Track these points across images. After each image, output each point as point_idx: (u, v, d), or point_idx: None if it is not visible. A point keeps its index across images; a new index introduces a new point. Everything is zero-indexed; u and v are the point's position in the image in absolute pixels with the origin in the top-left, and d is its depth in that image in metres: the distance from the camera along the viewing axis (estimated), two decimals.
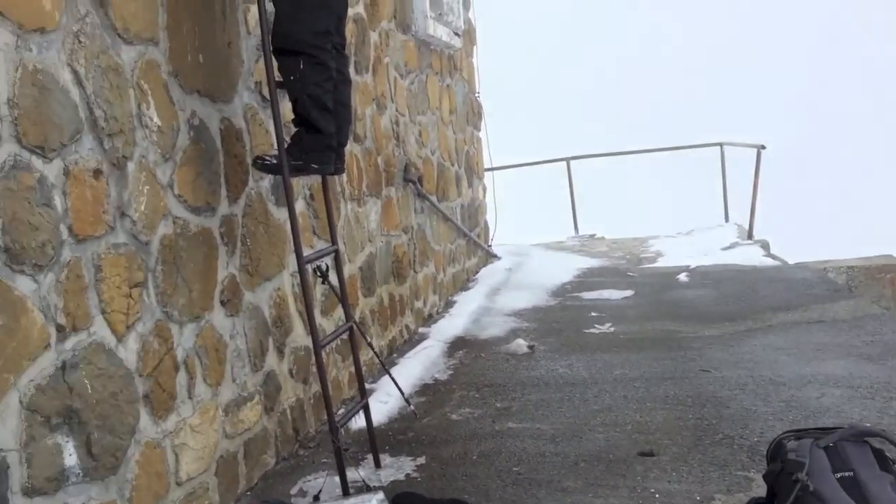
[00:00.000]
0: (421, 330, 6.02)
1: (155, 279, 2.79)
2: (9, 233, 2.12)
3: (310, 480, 3.49)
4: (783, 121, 28.58)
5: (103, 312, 2.50)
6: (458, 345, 5.68)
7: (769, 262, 8.35)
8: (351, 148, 4.68)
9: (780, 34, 35.44)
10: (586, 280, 8.03)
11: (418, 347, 5.50)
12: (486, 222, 8.97)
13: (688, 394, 4.32)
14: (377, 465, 3.61)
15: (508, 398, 4.47)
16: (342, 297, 3.74)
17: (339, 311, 4.15)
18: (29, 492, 2.13)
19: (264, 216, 3.66)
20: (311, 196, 4.17)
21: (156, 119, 2.84)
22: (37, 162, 2.25)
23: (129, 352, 2.61)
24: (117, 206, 2.61)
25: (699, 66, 35.59)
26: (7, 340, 2.09)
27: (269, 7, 3.24)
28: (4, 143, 2.14)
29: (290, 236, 3.36)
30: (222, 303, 3.25)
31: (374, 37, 5.30)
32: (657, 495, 3.17)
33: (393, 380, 4.15)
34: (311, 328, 3.31)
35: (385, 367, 4.27)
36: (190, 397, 2.97)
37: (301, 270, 3.29)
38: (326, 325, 4.26)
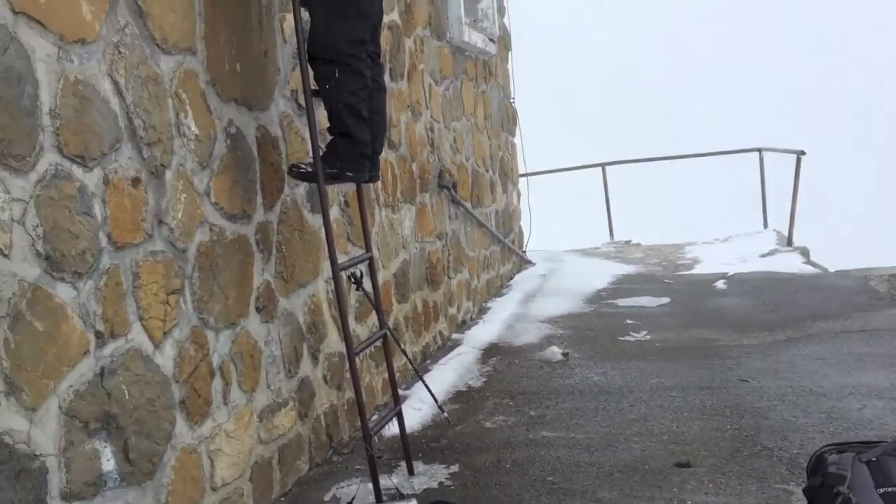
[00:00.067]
0: (455, 336, 6.01)
1: (191, 286, 2.82)
2: (50, 241, 2.16)
3: (343, 487, 3.50)
4: (824, 125, 28.15)
5: (141, 319, 2.53)
6: (491, 351, 5.66)
7: (809, 269, 8.21)
8: (385, 155, 4.69)
9: (822, 39, 34.92)
10: (621, 287, 7.96)
11: (452, 354, 5.49)
12: (520, 228, 8.95)
13: (725, 404, 4.26)
14: (410, 472, 3.61)
15: (542, 406, 4.44)
16: (376, 304, 3.75)
17: (373, 317, 4.16)
18: (67, 496, 2.16)
19: (299, 223, 3.69)
20: (346, 203, 4.19)
21: (193, 128, 2.87)
22: (77, 171, 2.29)
23: (165, 358, 2.64)
24: (155, 214, 2.64)
25: (739, 71, 35.21)
26: (47, 347, 2.13)
27: (305, 16, 3.26)
28: (46, 153, 2.17)
29: (325, 243, 3.38)
30: (257, 309, 3.27)
31: (408, 44, 5.32)
32: None
33: (426, 387, 4.15)
34: (346, 336, 3.32)
35: (419, 374, 4.27)
36: (225, 403, 3.00)
37: (335, 278, 3.31)
38: (360, 331, 4.27)
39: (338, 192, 4.11)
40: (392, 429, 3.85)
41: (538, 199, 8.83)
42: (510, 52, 8.65)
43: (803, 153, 9.60)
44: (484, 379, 5.05)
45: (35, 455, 2.05)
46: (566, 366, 5.22)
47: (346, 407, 4.05)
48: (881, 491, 2.28)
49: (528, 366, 5.27)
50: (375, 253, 4.49)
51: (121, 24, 2.50)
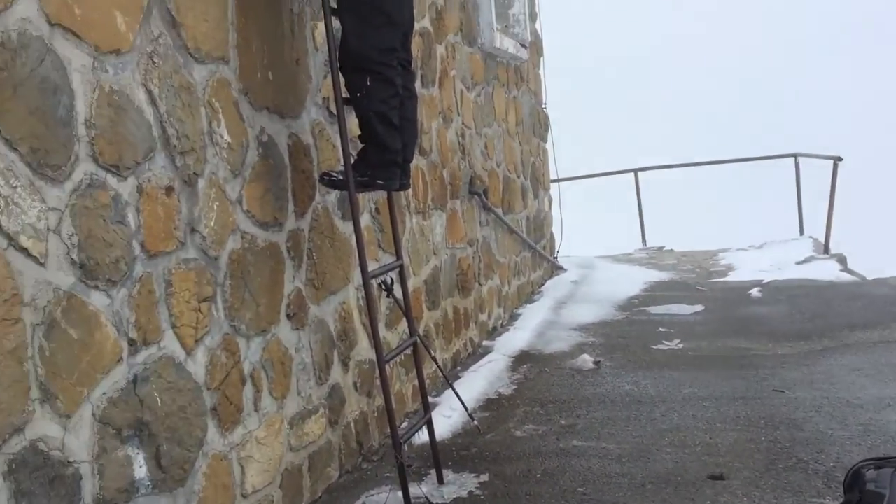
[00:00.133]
0: (485, 343, 5.99)
1: (223, 293, 2.84)
2: (84, 249, 2.18)
3: (373, 495, 3.50)
4: (862, 131, 27.70)
5: (173, 326, 2.55)
6: (522, 359, 5.63)
7: (846, 277, 8.07)
8: (416, 161, 4.69)
9: (860, 44, 34.40)
10: (654, 294, 7.88)
11: (482, 361, 5.47)
12: (551, 234, 8.90)
13: (760, 415, 4.19)
14: (440, 480, 3.60)
15: (573, 415, 4.40)
16: (406, 311, 3.74)
17: (404, 324, 4.16)
18: (100, 503, 2.17)
19: (330, 230, 3.70)
20: (377, 210, 4.19)
21: (226, 136, 2.89)
22: (112, 180, 2.31)
23: (197, 365, 2.66)
24: (188, 222, 2.66)
25: (775, 76, 34.78)
26: (82, 354, 2.15)
27: (337, 24, 3.28)
28: (81, 163, 2.20)
29: (356, 250, 3.38)
30: (288, 316, 3.28)
31: (440, 50, 5.32)
32: None
33: (457, 395, 4.14)
34: (376, 344, 3.32)
35: (449, 381, 4.26)
36: (256, 410, 3.01)
37: (366, 286, 3.31)
38: (391, 337, 4.27)
39: (369, 199, 4.12)
40: (422, 436, 3.84)
41: (570, 204, 8.79)
42: (542, 58, 8.62)
43: (840, 159, 9.46)
44: (514, 387, 5.02)
45: (69, 462, 2.07)
46: (597, 374, 5.17)
47: (376, 414, 4.05)
48: None
49: (559, 374, 5.24)
50: (406, 260, 4.50)
51: (155, 34, 2.53)
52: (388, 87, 3.18)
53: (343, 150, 3.25)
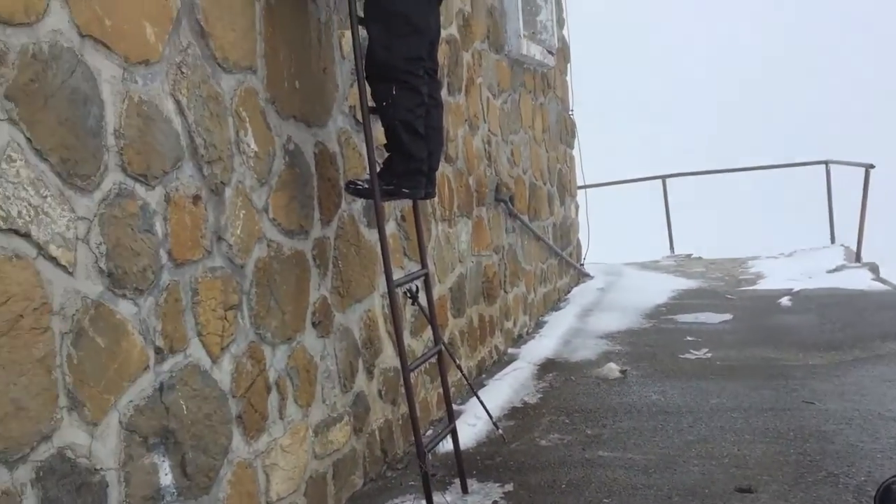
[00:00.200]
0: (510, 351, 5.97)
1: (249, 301, 2.86)
2: (112, 258, 2.20)
3: (397, 503, 3.49)
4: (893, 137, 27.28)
5: (199, 335, 2.56)
6: (547, 367, 5.60)
7: (879, 286, 7.94)
8: (442, 169, 4.69)
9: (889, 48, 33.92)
10: (682, 302, 7.81)
11: (508, 369, 5.45)
12: (578, 241, 8.86)
13: (789, 426, 4.13)
14: (464, 490, 3.58)
15: (599, 425, 4.37)
16: (431, 320, 3.74)
17: (429, 332, 4.16)
18: None
19: (356, 238, 3.70)
20: (402, 217, 4.20)
21: (253, 145, 2.91)
22: (140, 189, 2.33)
23: (223, 373, 2.67)
24: (214, 231, 2.68)
25: (805, 81, 34.39)
26: (109, 362, 2.17)
27: (364, 33, 3.29)
28: (110, 172, 2.22)
29: (382, 258, 3.39)
30: (314, 324, 3.29)
31: (466, 57, 5.32)
32: None
33: (482, 403, 4.13)
34: (400, 353, 3.32)
35: (474, 390, 4.25)
36: (281, 418, 3.02)
37: (391, 295, 3.31)
38: (416, 345, 4.27)
39: (394, 207, 4.12)
40: (446, 445, 3.83)
41: (597, 211, 8.75)
42: (569, 64, 8.59)
43: (872, 166, 9.32)
44: (540, 395, 5.00)
45: (96, 469, 2.09)
46: (624, 383, 5.13)
47: (400, 422, 4.05)
48: None
49: (585, 383, 5.20)
50: (431, 267, 4.50)
51: (183, 44, 2.55)
52: (414, 97, 3.18)
53: (369, 158, 3.26)
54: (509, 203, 6.09)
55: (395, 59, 3.14)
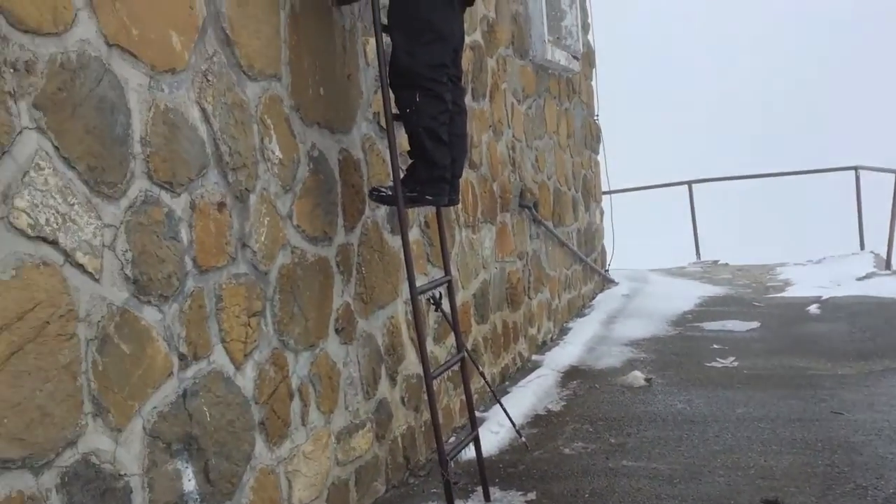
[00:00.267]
0: (534, 358, 5.95)
1: (272, 308, 2.87)
2: (138, 265, 2.22)
3: None
4: None
5: (223, 341, 2.58)
6: (571, 374, 5.57)
7: None
8: (466, 175, 4.69)
9: None
10: (708, 309, 7.74)
11: (531, 376, 5.43)
12: (603, 247, 8.82)
13: (817, 437, 4.07)
14: (486, 498, 3.57)
15: (623, 433, 4.33)
16: (454, 327, 3.73)
17: (452, 338, 4.15)
18: None
19: (379, 244, 3.71)
20: (426, 224, 4.20)
21: (277, 152, 2.92)
22: (165, 197, 2.35)
23: (246, 380, 2.68)
24: (239, 238, 2.69)
25: (835, 87, 33.96)
26: (133, 369, 2.19)
27: (388, 40, 3.29)
28: (136, 180, 2.24)
29: (405, 265, 3.39)
30: (337, 331, 3.30)
31: (491, 63, 5.32)
32: None
33: (505, 411, 4.12)
34: (423, 360, 3.32)
35: (497, 397, 4.24)
36: (303, 424, 3.03)
37: (414, 302, 3.31)
38: (439, 352, 4.27)
39: (418, 213, 4.12)
40: (469, 452, 3.82)
41: (622, 217, 8.70)
42: (594, 69, 8.56)
43: None
44: (563, 403, 4.97)
45: (120, 475, 2.11)
46: (649, 392, 5.09)
47: (423, 429, 4.04)
48: None
49: (610, 391, 5.17)
50: (455, 273, 4.50)
51: (209, 52, 2.57)
52: (438, 104, 3.18)
53: (392, 165, 3.26)
54: (533, 209, 6.07)
55: (419, 65, 3.14)
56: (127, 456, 2.14)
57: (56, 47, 1.99)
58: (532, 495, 3.60)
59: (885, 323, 6.53)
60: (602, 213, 8.85)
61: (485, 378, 4.29)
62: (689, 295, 8.40)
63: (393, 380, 3.78)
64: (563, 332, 6.80)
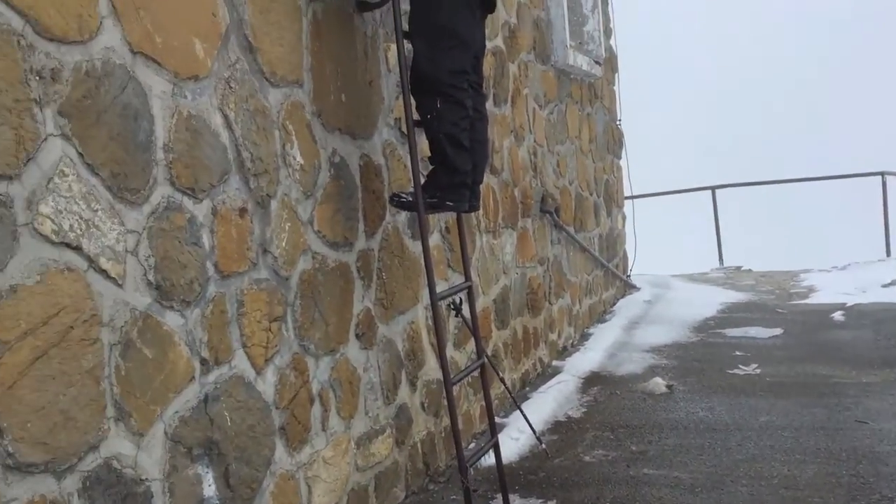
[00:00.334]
0: (555, 363, 5.92)
1: (293, 313, 2.88)
2: (160, 271, 2.24)
3: None
4: None
5: (244, 346, 2.59)
6: (592, 381, 5.54)
7: None
8: (487, 180, 4.68)
9: None
10: (731, 315, 7.67)
11: (552, 382, 5.40)
12: (625, 252, 8.77)
13: (842, 447, 4.02)
14: None
15: (644, 441, 4.30)
16: (475, 333, 3.73)
17: (472, 344, 4.14)
18: None
19: (400, 250, 3.71)
20: (447, 229, 4.20)
21: (299, 158, 2.93)
22: (188, 203, 2.37)
23: (267, 385, 2.69)
24: (260, 243, 2.70)
25: (835, 87, 33.57)
26: (156, 374, 2.20)
27: (409, 46, 3.30)
28: (159, 186, 2.26)
29: (425, 271, 3.39)
30: (357, 336, 3.30)
31: (512, 69, 5.31)
32: None
33: (525, 417, 4.10)
34: (443, 366, 3.31)
35: (517, 403, 4.22)
36: (323, 430, 3.03)
37: (434, 308, 3.31)
38: (459, 357, 4.26)
39: (439, 219, 4.12)
40: (489, 458, 3.81)
41: (644, 222, 8.65)
42: (617, 74, 8.52)
43: None
44: (584, 409, 4.95)
45: (141, 479, 2.12)
46: (670, 399, 5.05)
47: (443, 434, 4.04)
48: None
49: (631, 397, 5.13)
50: (475, 279, 4.49)
51: (231, 59, 2.59)
52: (459, 110, 3.18)
53: (413, 171, 3.26)
54: (555, 214, 6.05)
55: (440, 72, 3.14)
56: (148, 460, 2.15)
57: (81, 55, 2.01)
58: (552, 503, 3.58)
59: None
60: (624, 218, 8.80)
61: (505, 384, 4.28)
62: (711, 301, 8.33)
63: (413, 385, 3.78)
64: (584, 337, 6.77)
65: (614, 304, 8.07)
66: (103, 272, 2.05)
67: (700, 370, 5.69)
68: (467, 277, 3.67)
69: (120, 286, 2.10)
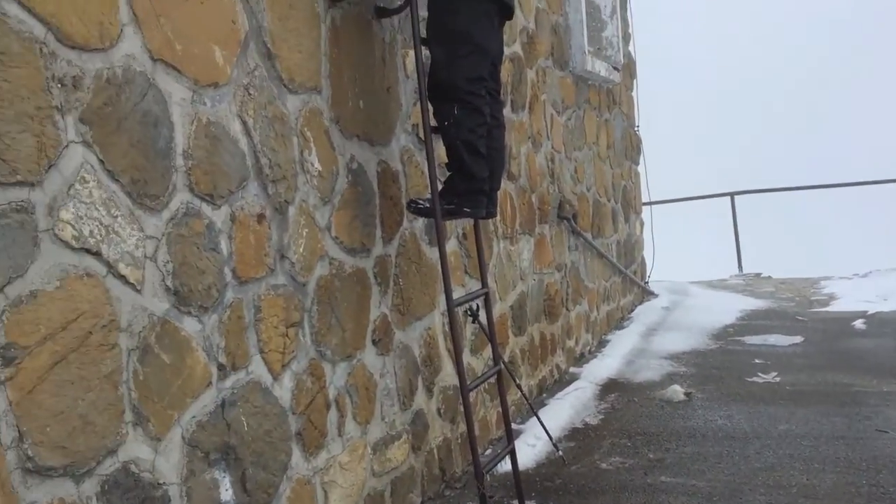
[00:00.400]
0: (572, 370, 5.91)
1: (310, 319, 2.89)
2: (178, 276, 2.25)
3: None
4: None
5: (261, 352, 2.60)
6: (610, 387, 5.52)
7: None
8: (505, 186, 4.68)
9: None
10: (750, 323, 7.62)
11: (569, 388, 5.39)
12: (643, 258, 8.73)
13: (862, 456, 3.98)
14: None
15: (662, 449, 4.28)
16: (491, 339, 3.72)
17: (489, 350, 4.13)
18: None
19: (417, 256, 3.72)
20: (464, 235, 4.20)
21: (317, 164, 2.95)
22: (206, 209, 2.38)
23: (283, 390, 2.70)
24: (278, 249, 2.72)
25: (835, 88, 33.25)
26: (173, 379, 2.22)
27: (427, 52, 3.31)
28: (178, 192, 2.28)
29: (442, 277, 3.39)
30: (374, 342, 3.31)
31: (530, 75, 5.31)
32: None
33: (541, 423, 4.09)
34: (459, 373, 3.31)
35: (534, 410, 4.21)
36: (340, 435, 3.04)
37: (451, 314, 3.31)
38: (476, 363, 4.26)
39: (456, 225, 4.12)
40: (505, 465, 3.81)
41: (663, 228, 8.61)
42: (635, 80, 8.50)
43: None
44: (601, 416, 4.93)
45: (159, 483, 2.13)
46: (688, 406, 5.02)
47: (459, 440, 4.03)
48: None
49: (648, 405, 5.11)
50: (493, 285, 4.49)
51: (251, 66, 2.61)
52: (476, 117, 3.19)
53: (430, 178, 3.27)
54: (572, 220, 6.04)
55: (457, 78, 3.15)
56: (166, 465, 2.17)
57: (102, 63, 2.03)
58: None
59: None
60: (642, 224, 8.77)
61: (521, 390, 4.28)
62: (730, 308, 8.28)
63: (429, 391, 3.78)
64: (602, 344, 6.74)
65: (632, 310, 8.04)
66: (122, 278, 2.06)
67: (719, 378, 5.65)
68: (484, 284, 3.67)
69: (138, 292, 2.12)
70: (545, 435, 4.20)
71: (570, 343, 6.05)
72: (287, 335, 2.73)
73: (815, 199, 13.02)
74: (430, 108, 3.25)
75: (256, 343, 2.58)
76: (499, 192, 3.64)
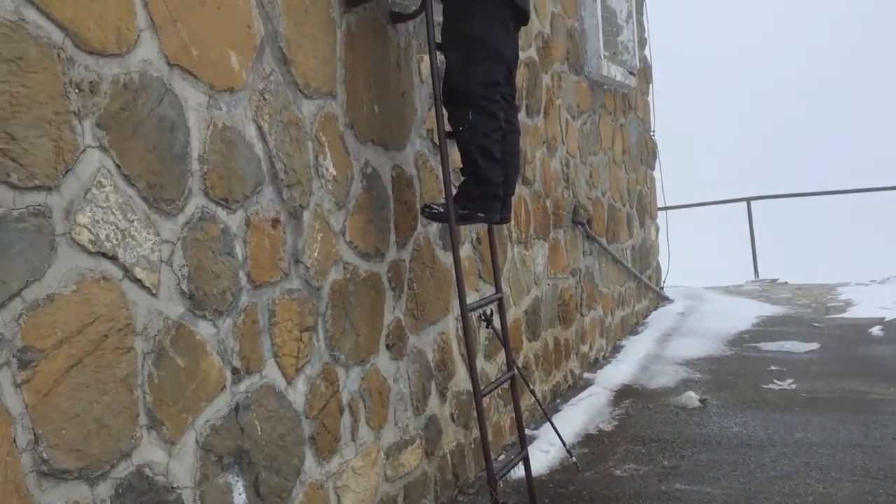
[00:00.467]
0: (586, 376, 5.88)
1: (324, 323, 2.89)
2: (193, 280, 2.26)
3: None
4: None
5: (275, 356, 2.60)
6: (624, 393, 5.50)
7: None
8: (519, 191, 4.68)
9: None
10: (766, 329, 7.56)
11: (583, 394, 5.37)
12: (658, 264, 8.70)
13: (879, 465, 3.94)
14: None
15: (676, 456, 4.25)
16: (505, 345, 3.72)
17: (503, 355, 4.13)
18: None
19: (431, 260, 3.71)
20: (478, 240, 4.19)
21: (331, 169, 2.95)
22: (221, 213, 2.39)
23: (297, 394, 2.71)
24: (292, 254, 2.72)
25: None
26: (188, 382, 2.23)
27: (442, 57, 3.31)
28: (194, 197, 2.29)
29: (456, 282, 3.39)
30: (387, 346, 3.31)
31: (546, 79, 5.30)
32: None
33: (555, 429, 4.08)
34: (472, 378, 3.31)
35: (547, 416, 4.20)
36: (353, 440, 3.04)
37: (464, 319, 3.30)
38: (489, 368, 4.25)
39: (470, 230, 4.12)
40: (519, 471, 3.80)
41: (678, 233, 8.57)
42: (651, 85, 8.48)
43: None
44: (615, 423, 4.90)
45: (172, 487, 2.14)
46: (703, 413, 4.99)
47: (472, 445, 4.02)
48: None
49: (663, 411, 5.08)
50: (507, 290, 4.48)
51: (266, 71, 2.62)
52: (491, 122, 3.18)
53: (445, 182, 3.27)
54: (587, 225, 6.02)
55: (472, 83, 3.15)
56: (180, 468, 2.17)
57: (119, 68, 2.04)
58: None
59: None
60: (657, 229, 8.73)
61: (535, 396, 4.26)
62: (746, 314, 8.23)
63: (443, 396, 3.78)
64: (616, 349, 6.72)
65: (647, 315, 8.01)
66: (138, 281, 2.08)
67: (734, 384, 5.61)
68: (498, 288, 3.67)
69: (154, 295, 2.13)
70: (559, 441, 4.19)
71: (585, 348, 6.03)
72: (301, 339, 2.74)
73: (833, 204, 12.92)
74: (445, 112, 3.25)
75: (270, 347, 2.59)
76: (513, 197, 3.64)
